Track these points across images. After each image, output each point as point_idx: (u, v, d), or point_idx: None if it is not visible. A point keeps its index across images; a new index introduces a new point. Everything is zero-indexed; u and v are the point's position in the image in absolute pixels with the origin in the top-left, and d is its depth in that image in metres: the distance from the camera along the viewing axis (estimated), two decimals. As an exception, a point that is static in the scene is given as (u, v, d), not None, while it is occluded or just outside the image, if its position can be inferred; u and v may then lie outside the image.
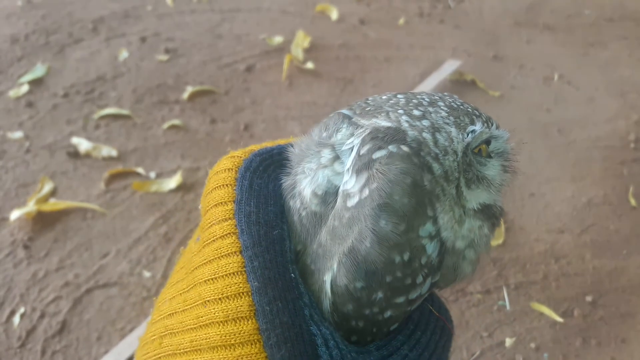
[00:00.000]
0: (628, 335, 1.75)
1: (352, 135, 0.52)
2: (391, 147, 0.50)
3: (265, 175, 0.55)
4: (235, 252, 0.48)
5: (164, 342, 0.52)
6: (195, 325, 0.48)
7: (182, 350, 0.49)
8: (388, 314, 0.51)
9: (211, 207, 0.52)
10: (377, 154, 0.50)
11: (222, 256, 0.49)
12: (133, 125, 2.43)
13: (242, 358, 0.45)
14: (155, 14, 3.25)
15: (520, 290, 1.85)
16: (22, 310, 1.70)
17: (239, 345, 0.45)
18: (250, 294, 0.47)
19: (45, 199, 2.03)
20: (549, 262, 1.95)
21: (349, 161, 0.51)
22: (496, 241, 1.99)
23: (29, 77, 2.65)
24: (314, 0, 3.45)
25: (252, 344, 0.45)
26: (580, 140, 2.51)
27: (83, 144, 2.28)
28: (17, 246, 1.89)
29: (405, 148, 0.50)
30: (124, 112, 2.48)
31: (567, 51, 3.17)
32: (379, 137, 0.50)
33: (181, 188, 2.13)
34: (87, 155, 2.25)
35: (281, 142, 0.61)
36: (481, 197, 0.55)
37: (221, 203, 0.52)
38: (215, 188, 0.53)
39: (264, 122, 2.51)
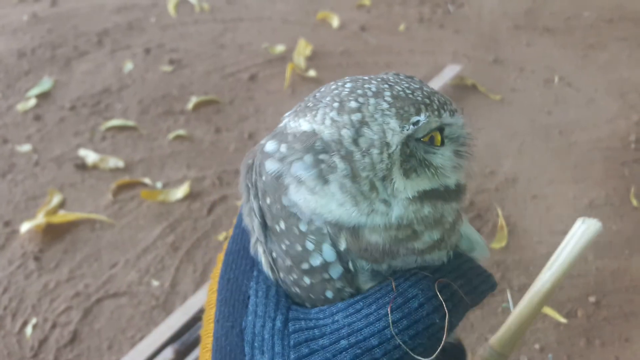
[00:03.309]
0: (631, 335, 1.77)
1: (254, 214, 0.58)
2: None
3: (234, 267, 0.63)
4: (207, 350, 0.60)
5: None
6: None
7: None
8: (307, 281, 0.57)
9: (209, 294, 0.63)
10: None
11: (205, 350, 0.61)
12: (139, 136, 2.47)
13: None
14: (159, 25, 3.29)
15: (524, 292, 1.87)
16: (34, 320, 1.74)
17: None
18: None
19: (54, 211, 2.06)
20: (552, 264, 1.97)
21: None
22: (499, 244, 2.01)
23: (36, 90, 2.70)
24: (314, 8, 3.49)
25: None
26: (581, 142, 2.53)
27: (90, 156, 2.32)
28: (27, 258, 1.92)
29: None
30: (130, 123, 2.52)
31: (566, 53, 3.19)
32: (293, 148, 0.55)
33: (187, 197, 2.17)
34: (95, 167, 2.29)
35: None
36: (421, 185, 0.55)
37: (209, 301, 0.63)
38: (212, 280, 0.64)
39: (268, 130, 2.54)
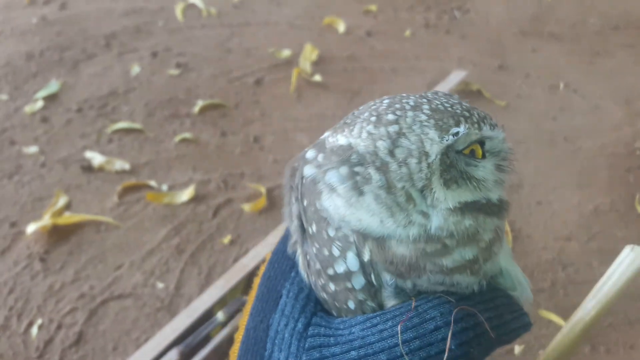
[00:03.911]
0: (636, 342, 1.76)
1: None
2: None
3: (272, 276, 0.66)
4: (238, 341, 0.63)
5: None
6: None
7: None
8: (332, 288, 0.57)
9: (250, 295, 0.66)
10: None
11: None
12: (145, 139, 2.48)
13: None
14: (166, 29, 3.31)
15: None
16: (39, 321, 1.75)
17: None
18: None
19: (60, 213, 2.08)
20: (556, 270, 1.97)
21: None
22: (504, 250, 2.01)
23: (44, 92, 2.72)
24: (321, 13, 3.51)
25: None
26: (586, 148, 2.53)
27: (96, 158, 2.33)
28: (33, 259, 1.94)
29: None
30: (136, 126, 2.54)
31: (572, 60, 3.19)
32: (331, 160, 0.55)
33: (193, 200, 2.18)
34: (101, 169, 2.30)
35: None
36: (463, 196, 0.54)
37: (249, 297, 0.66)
38: (255, 277, 0.67)
39: (274, 134, 2.55)
